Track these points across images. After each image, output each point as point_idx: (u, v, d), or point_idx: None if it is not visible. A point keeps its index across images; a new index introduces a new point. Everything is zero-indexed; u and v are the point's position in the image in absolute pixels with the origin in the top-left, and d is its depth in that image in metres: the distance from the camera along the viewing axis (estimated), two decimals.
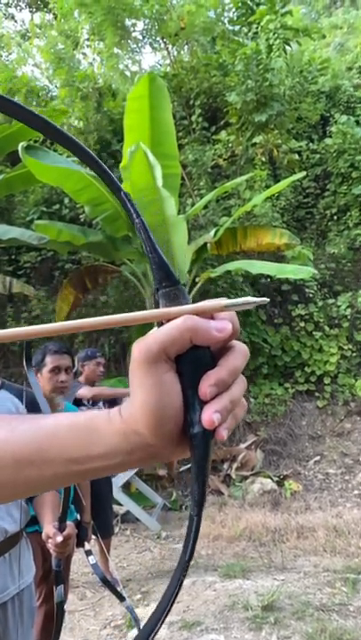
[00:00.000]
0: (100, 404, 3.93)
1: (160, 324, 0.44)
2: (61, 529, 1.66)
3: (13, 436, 0.48)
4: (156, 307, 0.45)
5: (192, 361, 0.43)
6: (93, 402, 3.86)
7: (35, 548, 1.85)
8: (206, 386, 0.42)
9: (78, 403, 3.71)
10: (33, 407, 1.79)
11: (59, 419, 0.49)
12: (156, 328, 0.45)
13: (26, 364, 1.23)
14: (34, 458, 0.47)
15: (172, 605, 0.43)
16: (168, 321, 0.43)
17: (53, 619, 2.54)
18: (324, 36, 9.83)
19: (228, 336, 0.44)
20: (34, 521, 2.27)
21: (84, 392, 3.64)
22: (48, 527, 1.72)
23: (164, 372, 0.43)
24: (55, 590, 1.74)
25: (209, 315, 0.44)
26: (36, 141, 8.35)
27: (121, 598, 1.57)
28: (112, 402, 4.02)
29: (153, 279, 0.45)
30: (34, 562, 1.78)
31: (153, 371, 0.42)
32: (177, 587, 0.44)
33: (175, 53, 10.00)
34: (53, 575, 1.84)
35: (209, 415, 0.42)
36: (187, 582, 3.71)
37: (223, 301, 0.44)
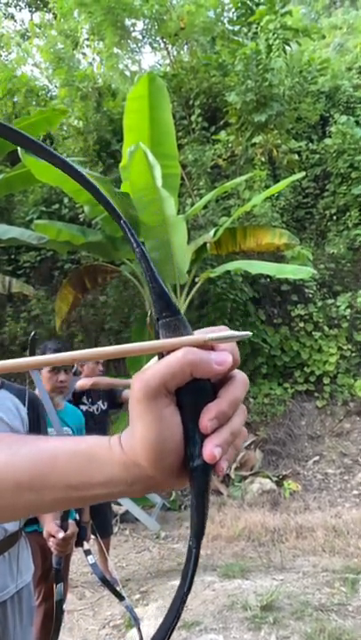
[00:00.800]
0: (100, 401, 3.93)
1: (160, 354, 0.44)
2: (63, 527, 1.66)
3: (14, 459, 0.48)
4: (157, 337, 0.44)
5: (192, 393, 0.43)
6: (92, 400, 3.86)
7: (33, 548, 1.85)
8: (207, 419, 0.42)
9: (78, 400, 3.71)
10: (33, 406, 1.79)
11: (59, 444, 0.48)
12: (155, 358, 0.45)
13: None
14: (34, 483, 0.47)
15: (169, 637, 0.43)
16: (168, 352, 0.43)
17: (52, 618, 2.54)
18: (323, 37, 9.84)
19: (229, 368, 0.43)
20: (33, 520, 2.27)
21: (83, 382, 3.63)
22: (50, 525, 1.72)
23: (165, 407, 0.42)
24: (55, 588, 1.74)
25: (209, 346, 0.43)
26: None
27: (120, 597, 1.58)
28: (111, 399, 4.01)
29: (153, 308, 0.45)
30: (33, 561, 1.78)
31: (153, 405, 0.42)
32: (175, 618, 0.43)
33: (175, 53, 10.01)
34: (53, 573, 1.85)
35: (210, 450, 0.42)
36: None
37: (207, 335, 0.43)
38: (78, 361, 0.46)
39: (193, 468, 0.43)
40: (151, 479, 0.44)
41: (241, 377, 0.46)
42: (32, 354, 1.17)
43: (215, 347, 0.44)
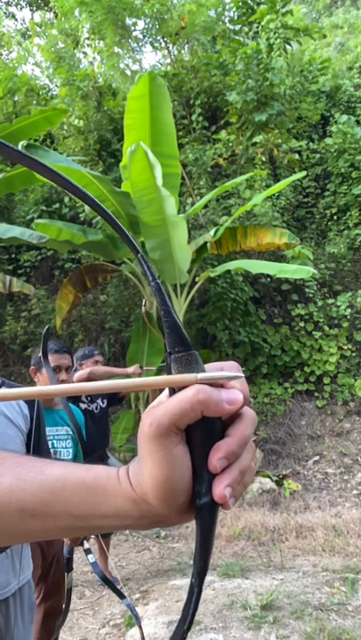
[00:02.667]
0: (99, 399, 3.91)
1: (172, 389, 0.44)
2: None
3: (19, 485, 0.48)
4: (169, 371, 0.44)
5: (201, 430, 0.43)
6: (91, 398, 3.83)
7: (32, 546, 1.86)
8: (216, 459, 0.42)
9: (76, 397, 3.65)
10: (33, 405, 1.82)
11: (66, 472, 0.48)
12: (166, 391, 0.45)
13: (42, 358, 1.25)
14: (38, 511, 0.47)
15: None
16: (180, 388, 0.43)
17: (52, 617, 2.55)
18: (324, 36, 9.82)
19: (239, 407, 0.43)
20: None
21: (79, 374, 3.54)
22: None
23: (175, 446, 0.42)
24: (66, 577, 1.75)
25: (219, 384, 0.43)
26: (36, 140, 8.36)
27: (121, 596, 1.58)
28: (111, 395, 3.98)
29: (166, 342, 0.45)
30: (32, 560, 1.79)
31: (163, 444, 0.42)
32: None
33: (176, 53, 10.00)
34: (64, 562, 1.87)
35: (220, 490, 0.42)
36: (186, 582, 3.71)
37: (199, 375, 0.43)
38: (94, 392, 0.46)
39: (200, 506, 0.43)
40: (159, 516, 0.44)
41: (250, 414, 0.45)
42: (44, 349, 1.18)
43: (225, 384, 0.44)
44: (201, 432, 0.43)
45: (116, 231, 0.47)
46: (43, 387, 0.46)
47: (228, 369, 0.45)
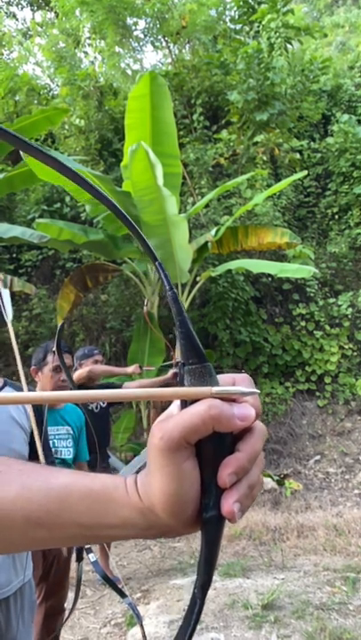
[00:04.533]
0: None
1: (183, 401, 0.43)
2: None
3: (24, 495, 0.47)
4: (181, 382, 0.44)
5: (212, 444, 0.43)
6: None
7: None
8: (226, 474, 0.42)
9: None
10: (35, 405, 1.83)
11: (72, 481, 0.47)
12: (177, 402, 0.44)
13: (57, 352, 1.26)
14: (44, 520, 0.46)
15: None
16: (192, 401, 0.42)
17: (53, 617, 2.55)
18: (325, 35, 9.82)
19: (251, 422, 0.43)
20: None
21: (79, 373, 3.52)
22: None
23: (185, 460, 0.42)
24: (78, 567, 1.83)
25: (232, 398, 0.43)
26: (37, 140, 8.36)
27: (122, 595, 1.58)
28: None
29: (180, 354, 0.44)
30: (32, 560, 1.80)
31: (173, 458, 0.42)
32: None
33: (176, 52, 10.00)
34: (75, 552, 1.90)
35: (229, 506, 0.41)
36: (187, 581, 3.71)
37: (213, 389, 0.42)
38: (106, 400, 0.46)
39: (206, 519, 0.43)
40: (167, 527, 0.44)
41: (260, 428, 0.45)
42: (58, 344, 1.19)
43: (237, 398, 0.43)
44: (211, 446, 0.43)
45: (134, 235, 0.47)
46: (70, 392, 0.46)
47: (240, 382, 0.45)
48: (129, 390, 0.46)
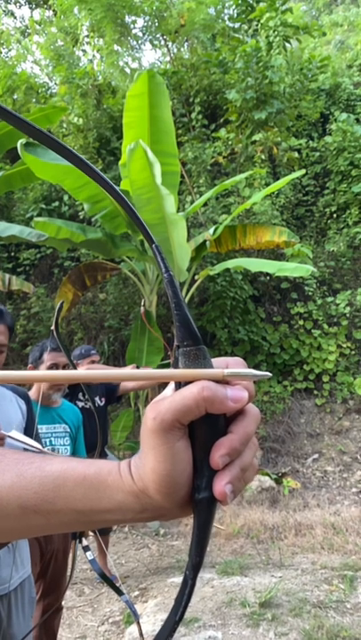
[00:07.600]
0: (97, 397, 3.90)
1: (178, 383, 0.44)
2: None
3: (20, 482, 0.47)
4: (175, 364, 0.44)
5: (205, 426, 0.43)
6: (89, 396, 3.81)
7: (31, 543, 1.88)
8: (218, 456, 0.42)
9: (73, 396, 3.63)
10: (27, 401, 1.87)
11: (66, 467, 0.47)
12: (171, 385, 0.45)
13: (55, 331, 1.26)
14: (40, 507, 0.47)
15: None
16: (185, 382, 0.43)
17: (51, 614, 2.56)
18: (324, 34, 9.78)
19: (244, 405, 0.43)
20: None
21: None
22: None
23: (177, 440, 0.42)
24: (75, 544, 1.86)
25: (225, 380, 0.43)
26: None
27: (119, 592, 1.59)
28: (109, 394, 3.97)
29: (175, 336, 0.44)
30: (30, 557, 1.82)
31: (166, 438, 0.42)
32: None
33: (175, 50, 10.00)
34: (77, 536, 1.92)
35: (221, 487, 0.42)
36: None
37: (225, 370, 0.43)
38: (117, 380, 0.46)
39: (198, 500, 0.43)
40: (161, 509, 0.45)
41: (254, 411, 0.45)
42: (57, 323, 1.20)
43: (231, 381, 0.43)
44: (204, 427, 0.43)
45: (132, 218, 0.47)
46: (76, 371, 0.46)
47: (233, 365, 0.45)
48: (139, 371, 0.46)
